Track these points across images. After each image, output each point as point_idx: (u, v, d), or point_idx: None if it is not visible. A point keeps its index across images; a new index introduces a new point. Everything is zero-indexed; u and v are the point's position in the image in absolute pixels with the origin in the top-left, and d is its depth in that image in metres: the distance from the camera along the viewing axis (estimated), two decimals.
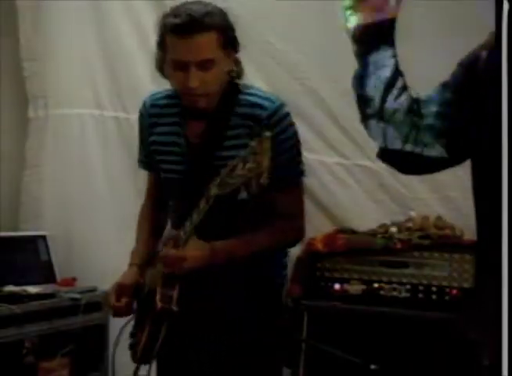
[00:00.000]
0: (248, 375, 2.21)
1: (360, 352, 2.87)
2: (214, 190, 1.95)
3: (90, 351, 3.55)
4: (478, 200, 1.59)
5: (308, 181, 3.33)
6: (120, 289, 2.32)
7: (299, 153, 2.24)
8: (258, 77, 3.28)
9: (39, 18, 3.80)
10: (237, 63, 2.21)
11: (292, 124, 2.21)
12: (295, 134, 2.22)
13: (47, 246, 3.72)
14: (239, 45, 2.19)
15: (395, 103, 1.60)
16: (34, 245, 3.70)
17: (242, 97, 2.18)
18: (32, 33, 3.81)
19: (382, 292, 3.08)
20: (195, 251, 2.10)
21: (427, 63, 2.87)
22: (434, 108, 1.58)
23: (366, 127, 1.69)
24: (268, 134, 1.83)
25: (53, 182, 3.85)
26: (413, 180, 3.39)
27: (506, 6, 1.25)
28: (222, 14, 2.13)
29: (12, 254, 3.61)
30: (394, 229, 3.17)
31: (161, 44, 2.14)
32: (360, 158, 3.44)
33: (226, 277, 2.20)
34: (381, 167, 3.40)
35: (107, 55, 3.73)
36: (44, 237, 3.73)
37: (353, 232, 3.29)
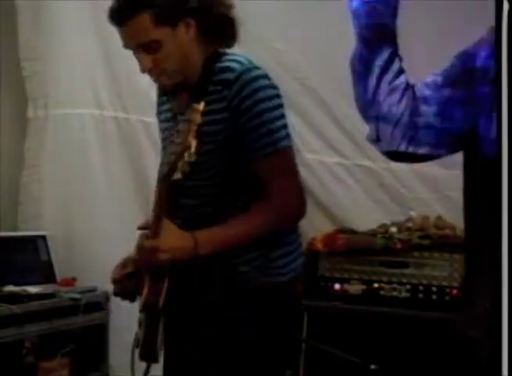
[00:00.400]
0: (246, 374, 2.11)
1: (360, 352, 2.87)
2: (164, 171, 1.95)
3: (90, 351, 3.55)
4: (469, 198, 1.59)
5: (308, 181, 3.36)
6: (127, 261, 2.19)
7: (276, 118, 2.01)
8: None
9: (39, 18, 3.80)
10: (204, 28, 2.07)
11: (263, 88, 2.00)
12: (269, 98, 2.01)
13: (47, 246, 3.72)
14: (190, 10, 2.04)
15: (391, 85, 1.59)
16: (33, 245, 3.70)
17: (218, 64, 2.06)
18: (32, 33, 3.81)
19: (382, 292, 3.08)
20: (173, 240, 1.98)
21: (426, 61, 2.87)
22: (431, 107, 1.57)
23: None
24: (196, 106, 1.79)
25: (53, 182, 3.85)
26: (413, 180, 3.40)
27: (506, 6, 1.25)
28: None
29: (12, 254, 3.61)
30: (394, 229, 3.17)
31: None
32: (360, 158, 3.44)
33: (216, 270, 2.08)
34: (381, 167, 3.40)
35: (107, 55, 3.73)
36: (44, 237, 3.73)
37: (353, 232, 3.29)
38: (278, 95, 2.05)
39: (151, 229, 2.00)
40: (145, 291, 2.03)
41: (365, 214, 3.43)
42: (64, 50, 3.82)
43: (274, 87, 2.05)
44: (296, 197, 2.05)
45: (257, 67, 2.03)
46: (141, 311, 2.08)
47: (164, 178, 1.99)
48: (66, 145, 3.85)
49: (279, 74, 3.50)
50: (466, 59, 1.57)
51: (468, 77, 1.55)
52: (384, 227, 3.21)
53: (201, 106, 1.91)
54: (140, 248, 2.03)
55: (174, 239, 1.98)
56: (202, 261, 2.01)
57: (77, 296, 3.47)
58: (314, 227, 3.26)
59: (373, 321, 2.99)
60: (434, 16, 3.14)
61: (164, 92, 2.23)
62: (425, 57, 2.96)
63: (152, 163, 3.64)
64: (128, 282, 2.17)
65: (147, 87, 3.14)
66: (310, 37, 3.40)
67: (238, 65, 2.02)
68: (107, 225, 3.76)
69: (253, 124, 1.99)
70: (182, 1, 2.03)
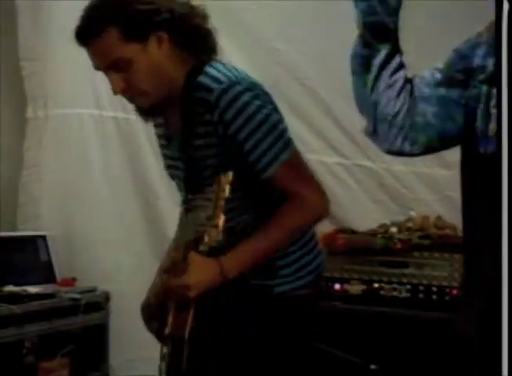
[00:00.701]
0: None
1: (360, 352, 2.87)
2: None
3: (90, 351, 3.55)
4: (467, 196, 1.59)
5: None
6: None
7: (268, 131, 1.87)
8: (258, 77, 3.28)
9: (39, 18, 3.80)
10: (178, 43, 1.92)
11: (246, 105, 1.85)
12: (254, 113, 1.86)
13: (47, 246, 3.72)
14: (161, 22, 1.89)
15: (390, 79, 1.59)
16: (33, 245, 3.70)
17: (198, 79, 1.90)
18: (32, 33, 3.81)
19: (382, 292, 3.08)
20: (200, 274, 1.86)
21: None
22: (429, 105, 1.57)
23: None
24: (223, 177, 1.70)
25: (52, 182, 3.85)
26: (413, 180, 3.40)
27: (506, 6, 1.25)
28: (117, 4, 1.90)
29: (12, 255, 3.61)
30: (394, 229, 3.17)
31: None
32: (360, 158, 3.44)
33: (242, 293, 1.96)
34: (381, 167, 3.40)
35: None
36: (44, 237, 3.73)
37: (353, 232, 3.29)
38: (264, 105, 1.89)
39: (176, 266, 1.93)
40: (169, 321, 1.93)
41: (365, 214, 3.43)
42: (64, 50, 3.80)
43: (258, 96, 1.89)
44: (316, 197, 1.93)
45: (236, 82, 1.87)
46: (164, 343, 1.97)
47: (188, 246, 1.90)
48: (65, 145, 3.85)
49: (279, 74, 3.54)
50: (462, 55, 1.57)
51: (465, 75, 1.55)
52: (384, 227, 3.21)
53: (230, 175, 1.77)
54: (168, 288, 1.92)
55: (201, 272, 1.86)
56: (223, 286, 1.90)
57: (77, 296, 3.47)
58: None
59: (373, 321, 2.98)
60: (434, 14, 3.14)
61: (145, 115, 2.03)
62: (423, 54, 2.96)
63: (152, 163, 3.64)
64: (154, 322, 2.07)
65: None
66: (310, 37, 3.40)
67: (215, 84, 1.86)
68: (107, 226, 3.76)
69: (246, 149, 1.87)
70: (151, 13, 1.88)
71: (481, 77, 1.50)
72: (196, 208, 1.87)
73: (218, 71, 1.90)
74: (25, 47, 3.82)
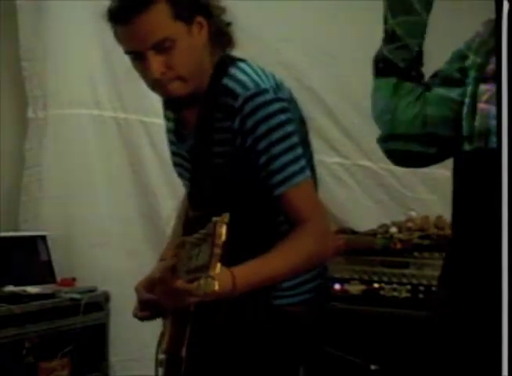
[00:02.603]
0: None
1: (360, 352, 2.87)
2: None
3: (90, 351, 3.55)
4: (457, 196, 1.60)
5: None
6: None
7: (287, 149, 1.76)
8: None
9: (39, 18, 3.81)
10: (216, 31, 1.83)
11: (268, 117, 1.73)
12: (284, 124, 1.75)
13: (47, 246, 3.72)
14: (207, 10, 1.79)
15: (407, 89, 1.60)
16: (33, 245, 3.70)
17: (224, 80, 1.78)
18: (32, 33, 3.81)
19: (382, 292, 3.08)
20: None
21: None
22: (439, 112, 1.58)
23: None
24: (219, 220, 1.45)
25: (53, 182, 3.86)
26: (413, 180, 3.40)
27: (506, 6, 1.25)
28: None
29: (12, 254, 3.61)
30: (394, 229, 3.17)
31: (116, 36, 1.79)
32: (360, 158, 3.45)
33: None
34: (381, 167, 3.41)
35: (106, 55, 3.73)
36: (44, 237, 3.73)
37: (353, 232, 3.29)
38: (289, 121, 1.77)
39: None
40: (166, 337, 1.84)
41: (365, 214, 3.43)
42: (64, 50, 3.82)
43: (285, 110, 1.77)
44: (326, 224, 1.81)
45: (264, 90, 1.75)
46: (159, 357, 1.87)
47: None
48: (66, 145, 3.86)
49: (279, 74, 3.54)
50: (460, 56, 1.58)
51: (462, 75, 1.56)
52: (384, 227, 3.21)
53: (226, 218, 1.47)
54: (170, 289, 1.69)
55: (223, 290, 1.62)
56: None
57: (77, 296, 3.47)
58: None
59: (373, 321, 2.98)
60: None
61: (169, 107, 1.94)
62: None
63: (152, 163, 3.65)
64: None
65: (146, 87, 3.14)
66: (310, 37, 3.40)
67: (241, 89, 1.74)
68: (107, 226, 3.76)
69: (262, 161, 1.75)
70: None
71: (473, 74, 1.52)
72: (192, 245, 1.63)
73: (245, 74, 1.78)
74: (25, 47, 3.82)
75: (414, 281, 3.04)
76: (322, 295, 1.96)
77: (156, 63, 1.74)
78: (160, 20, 1.71)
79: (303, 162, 1.80)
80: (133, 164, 3.77)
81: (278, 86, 1.82)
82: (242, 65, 1.81)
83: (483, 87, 1.51)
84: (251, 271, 1.72)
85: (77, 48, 3.80)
